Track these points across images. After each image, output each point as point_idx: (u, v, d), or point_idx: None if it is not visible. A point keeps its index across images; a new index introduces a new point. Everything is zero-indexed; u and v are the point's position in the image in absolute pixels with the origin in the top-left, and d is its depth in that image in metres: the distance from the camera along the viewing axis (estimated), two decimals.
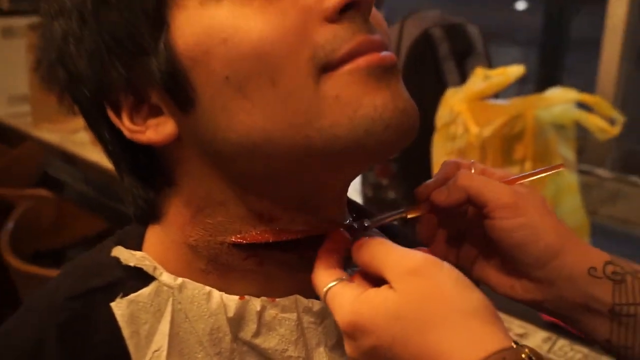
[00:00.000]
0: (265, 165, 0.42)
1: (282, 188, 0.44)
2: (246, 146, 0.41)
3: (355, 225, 0.47)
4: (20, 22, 2.29)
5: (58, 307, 0.46)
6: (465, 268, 0.50)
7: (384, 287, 0.40)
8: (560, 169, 0.53)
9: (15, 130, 2.21)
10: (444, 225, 0.51)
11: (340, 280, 0.42)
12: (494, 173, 0.50)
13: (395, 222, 0.51)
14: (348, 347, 0.41)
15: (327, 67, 0.40)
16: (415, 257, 0.40)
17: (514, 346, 0.36)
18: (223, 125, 0.41)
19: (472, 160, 0.51)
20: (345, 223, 0.48)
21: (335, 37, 0.40)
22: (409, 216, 0.49)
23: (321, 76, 0.40)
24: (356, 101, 0.40)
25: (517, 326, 1.04)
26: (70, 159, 1.96)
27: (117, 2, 0.41)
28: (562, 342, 0.96)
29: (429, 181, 0.50)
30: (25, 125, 2.19)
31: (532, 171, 0.50)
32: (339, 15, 0.40)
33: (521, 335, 1.01)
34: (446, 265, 0.40)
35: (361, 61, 0.40)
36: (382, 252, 0.41)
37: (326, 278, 0.42)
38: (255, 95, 0.40)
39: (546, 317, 0.95)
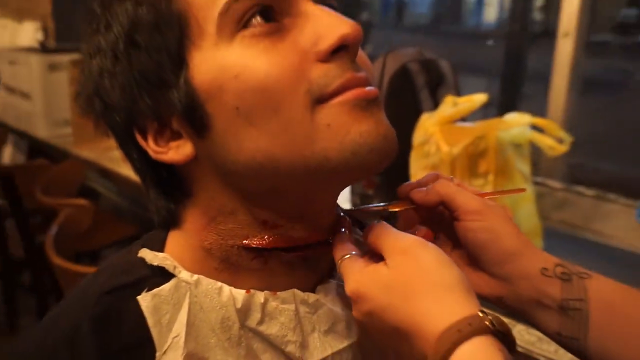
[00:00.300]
0: (268, 182, 0.42)
1: (283, 200, 0.44)
2: (253, 166, 0.41)
3: (342, 213, 0.48)
4: (64, 58, 2.29)
5: (93, 302, 0.46)
6: None
7: (381, 263, 0.41)
8: (522, 192, 0.53)
9: (58, 148, 2.21)
10: (420, 223, 0.51)
11: (352, 254, 0.43)
12: (467, 188, 0.50)
13: (379, 215, 0.51)
14: (353, 310, 0.42)
15: (320, 100, 0.40)
16: (407, 239, 0.41)
17: (480, 314, 0.36)
18: (233, 149, 0.41)
19: (452, 177, 0.51)
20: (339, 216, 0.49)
21: (327, 75, 0.40)
22: (390, 209, 0.50)
23: (315, 107, 0.40)
24: (345, 128, 0.40)
25: None
26: (105, 173, 1.95)
27: (145, 44, 0.41)
28: (520, 327, 0.96)
29: (409, 182, 0.50)
30: (67, 144, 2.18)
31: (499, 190, 0.50)
32: (330, 56, 0.40)
33: None
34: (431, 246, 0.41)
35: (349, 94, 0.40)
36: (382, 234, 0.43)
37: (341, 251, 0.44)
38: (260, 123, 0.40)
39: None
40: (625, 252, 1.34)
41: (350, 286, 0.41)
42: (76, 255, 1.67)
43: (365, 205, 0.50)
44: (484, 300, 0.48)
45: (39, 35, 2.74)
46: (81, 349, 0.44)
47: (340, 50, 0.40)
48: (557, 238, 1.36)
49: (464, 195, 0.47)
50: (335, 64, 0.40)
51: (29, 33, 2.79)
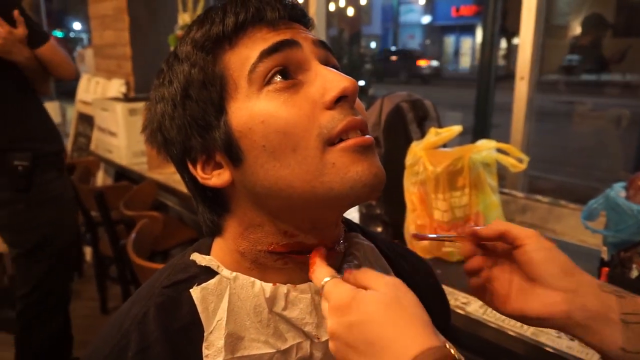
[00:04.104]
0: (286, 202, 0.42)
1: (298, 216, 0.44)
2: (275, 191, 0.41)
3: (337, 249, 0.47)
4: (140, 104, 2.34)
5: (157, 293, 0.46)
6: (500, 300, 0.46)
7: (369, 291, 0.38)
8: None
9: (137, 173, 2.24)
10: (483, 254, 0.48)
11: (334, 276, 0.40)
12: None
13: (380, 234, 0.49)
14: (334, 322, 0.38)
15: (329, 142, 0.40)
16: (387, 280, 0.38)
17: (447, 345, 0.33)
18: (261, 176, 0.41)
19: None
20: (337, 247, 0.47)
21: (333, 119, 0.40)
22: (457, 242, 0.48)
23: (325, 148, 0.40)
24: (346, 168, 0.40)
25: (462, 297, 1.01)
26: (172, 191, 1.97)
27: (196, 96, 0.42)
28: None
29: (477, 228, 0.47)
30: (143, 170, 2.22)
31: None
32: (334, 105, 0.40)
33: (465, 303, 0.99)
34: (402, 285, 0.38)
35: (351, 142, 0.40)
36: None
37: (324, 274, 0.41)
38: (281, 158, 0.40)
39: None
40: (574, 245, 1.32)
41: (340, 298, 0.37)
42: (150, 254, 1.68)
43: (438, 235, 0.47)
44: (551, 320, 0.41)
45: (123, 89, 2.81)
46: (147, 328, 0.44)
47: (342, 100, 0.41)
48: None
49: (516, 227, 0.45)
50: (338, 111, 0.40)
51: (115, 87, 2.87)
